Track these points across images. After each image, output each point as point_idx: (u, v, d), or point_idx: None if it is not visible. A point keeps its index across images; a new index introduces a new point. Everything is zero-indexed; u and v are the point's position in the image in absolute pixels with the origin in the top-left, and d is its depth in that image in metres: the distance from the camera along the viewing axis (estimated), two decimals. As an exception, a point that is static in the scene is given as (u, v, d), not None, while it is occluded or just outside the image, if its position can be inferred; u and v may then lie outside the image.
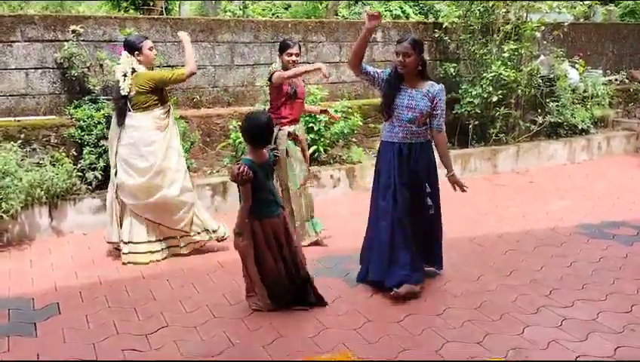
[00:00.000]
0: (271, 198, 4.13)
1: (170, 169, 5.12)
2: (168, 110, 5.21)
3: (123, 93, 5.03)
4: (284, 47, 5.47)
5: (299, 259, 4.25)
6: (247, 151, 4.16)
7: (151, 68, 5.21)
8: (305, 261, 4.33)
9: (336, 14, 12.96)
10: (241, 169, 3.91)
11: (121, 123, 5.10)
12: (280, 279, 4.16)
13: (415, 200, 4.49)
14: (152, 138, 5.05)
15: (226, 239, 5.33)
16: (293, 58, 5.43)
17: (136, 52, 5.06)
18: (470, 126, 8.61)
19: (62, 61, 6.54)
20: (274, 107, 5.50)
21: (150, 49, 5.12)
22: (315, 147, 7.22)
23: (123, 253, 5.10)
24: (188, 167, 6.42)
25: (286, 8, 14.88)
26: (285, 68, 5.42)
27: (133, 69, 5.04)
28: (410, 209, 4.46)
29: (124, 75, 5.03)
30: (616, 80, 10.95)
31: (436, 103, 4.44)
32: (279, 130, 5.42)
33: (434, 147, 4.60)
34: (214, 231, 5.35)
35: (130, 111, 5.06)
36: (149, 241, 5.15)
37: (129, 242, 5.10)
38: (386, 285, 4.42)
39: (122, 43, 5.30)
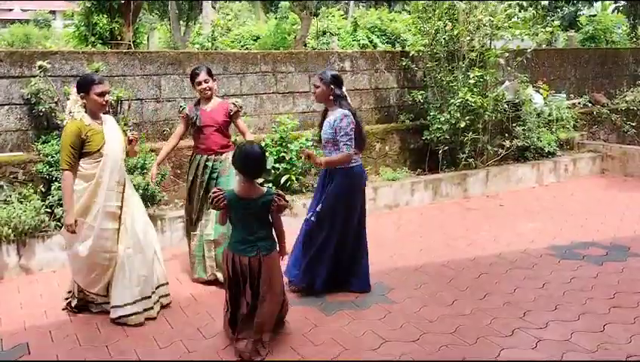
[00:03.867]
0: (249, 239, 3.98)
1: (84, 223, 4.47)
2: (97, 161, 4.48)
3: None
4: (192, 77, 5.35)
5: (263, 311, 4.01)
6: (238, 180, 4.13)
7: (100, 113, 4.64)
8: (269, 324, 4.09)
9: (305, 45, 13.12)
10: (215, 194, 3.97)
11: None
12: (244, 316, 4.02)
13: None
14: (74, 186, 4.48)
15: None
16: (203, 86, 5.27)
17: (82, 93, 4.51)
18: (440, 151, 8.72)
19: (29, 97, 6.47)
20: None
21: (100, 94, 4.49)
22: (287, 176, 7.24)
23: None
24: (159, 200, 6.41)
25: (255, 40, 15.03)
26: (200, 98, 5.39)
27: (71, 111, 4.50)
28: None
29: (70, 113, 4.52)
30: (579, 103, 11.21)
31: (336, 130, 4.82)
32: (195, 155, 5.43)
33: (351, 176, 4.91)
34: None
35: None
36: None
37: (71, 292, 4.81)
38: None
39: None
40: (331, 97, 4.90)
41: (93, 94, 4.48)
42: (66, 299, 4.84)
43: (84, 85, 4.50)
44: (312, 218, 4.98)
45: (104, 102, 4.55)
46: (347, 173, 4.88)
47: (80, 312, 4.73)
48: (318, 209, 4.95)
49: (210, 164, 5.31)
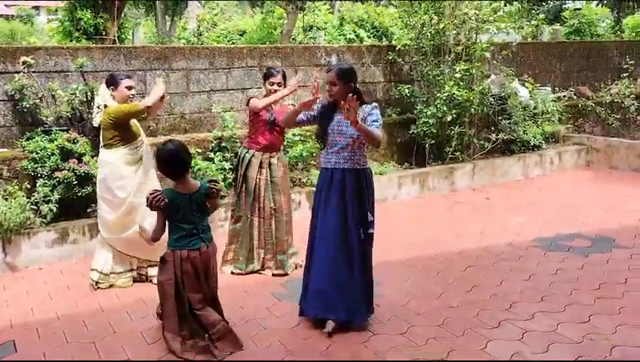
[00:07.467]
0: (194, 232, 3.94)
1: (142, 204, 4.62)
2: (138, 146, 5.10)
3: (95, 124, 5.17)
4: (267, 76, 5.49)
5: (217, 302, 4.13)
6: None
7: None
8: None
9: (294, 39, 13.09)
10: (154, 195, 3.84)
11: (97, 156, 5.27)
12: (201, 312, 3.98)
13: (344, 229, 4.27)
14: (121, 173, 5.01)
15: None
16: (275, 87, 5.41)
17: (112, 87, 5.07)
18: (427, 145, 8.75)
19: (13, 93, 6.41)
20: (250, 131, 5.58)
21: (128, 88, 5.08)
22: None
23: (98, 283, 5.15)
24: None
25: (241, 34, 14.97)
26: (268, 95, 5.46)
27: (105, 104, 5.04)
28: (337, 239, 4.28)
29: (98, 107, 5.10)
30: (564, 96, 11.28)
31: (365, 119, 4.24)
32: (246, 152, 5.46)
33: (370, 173, 4.44)
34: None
35: (101, 146, 5.09)
36: (120, 273, 5.20)
37: (104, 273, 5.14)
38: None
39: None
40: (351, 94, 4.17)
41: (122, 88, 5.06)
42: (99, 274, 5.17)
43: (115, 80, 5.10)
44: (371, 230, 4.35)
45: (131, 96, 5.13)
46: (367, 170, 4.40)
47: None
48: (371, 219, 4.32)
49: (275, 161, 5.48)
